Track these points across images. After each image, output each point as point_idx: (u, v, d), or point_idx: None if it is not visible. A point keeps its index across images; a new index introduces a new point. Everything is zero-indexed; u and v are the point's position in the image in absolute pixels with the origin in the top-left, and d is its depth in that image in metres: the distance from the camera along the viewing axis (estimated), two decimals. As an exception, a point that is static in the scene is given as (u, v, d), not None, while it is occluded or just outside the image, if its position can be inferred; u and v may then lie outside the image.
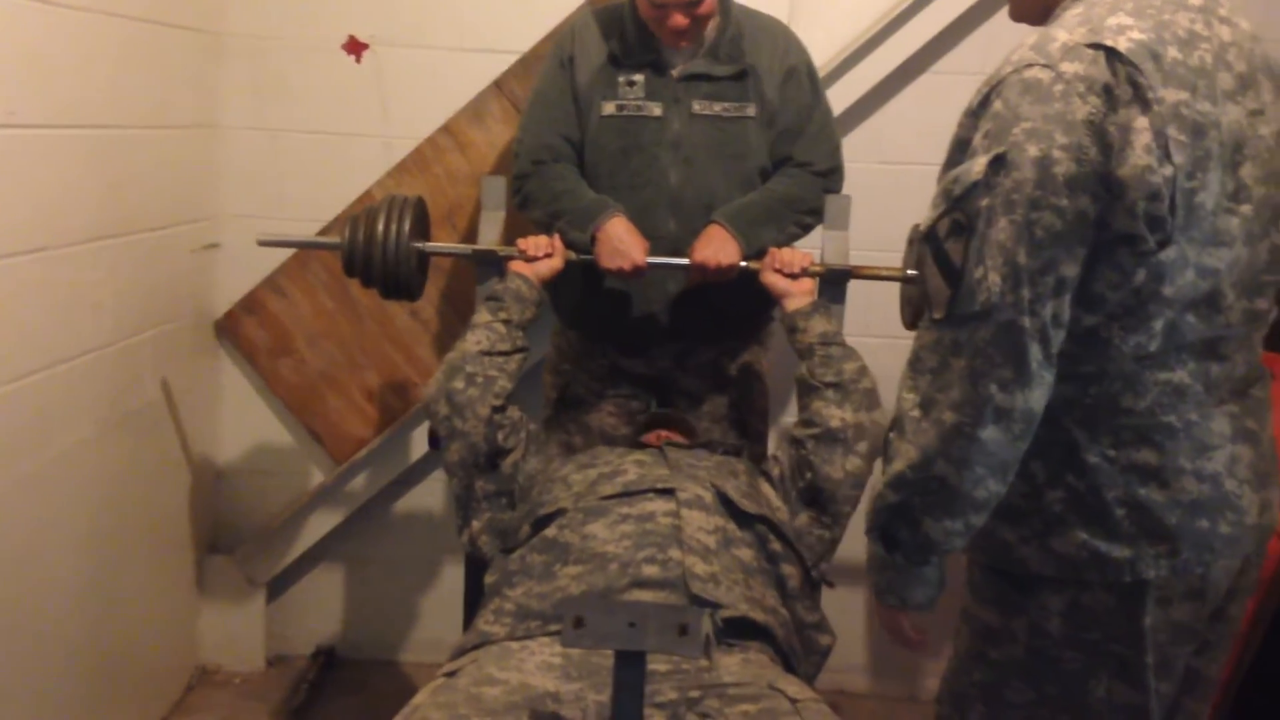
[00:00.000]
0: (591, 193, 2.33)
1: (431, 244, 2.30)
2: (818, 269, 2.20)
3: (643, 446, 2.09)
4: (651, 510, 1.77)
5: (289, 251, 2.95)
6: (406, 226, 2.22)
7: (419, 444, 2.99)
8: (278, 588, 3.12)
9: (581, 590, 1.65)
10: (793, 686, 1.47)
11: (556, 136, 2.39)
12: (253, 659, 3.08)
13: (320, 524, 3.04)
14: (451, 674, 1.52)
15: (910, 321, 2.27)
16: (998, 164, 1.26)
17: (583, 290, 2.40)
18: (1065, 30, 1.29)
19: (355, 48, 2.90)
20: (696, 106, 2.34)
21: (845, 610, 2.97)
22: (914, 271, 2.22)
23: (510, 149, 2.59)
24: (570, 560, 1.71)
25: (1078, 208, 1.24)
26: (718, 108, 2.35)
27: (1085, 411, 1.34)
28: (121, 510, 2.52)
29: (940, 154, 3.06)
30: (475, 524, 2.00)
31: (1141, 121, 1.23)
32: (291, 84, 2.91)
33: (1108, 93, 1.24)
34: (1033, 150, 1.24)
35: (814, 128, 2.41)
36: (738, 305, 2.41)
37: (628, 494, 1.82)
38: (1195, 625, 1.39)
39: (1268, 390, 1.44)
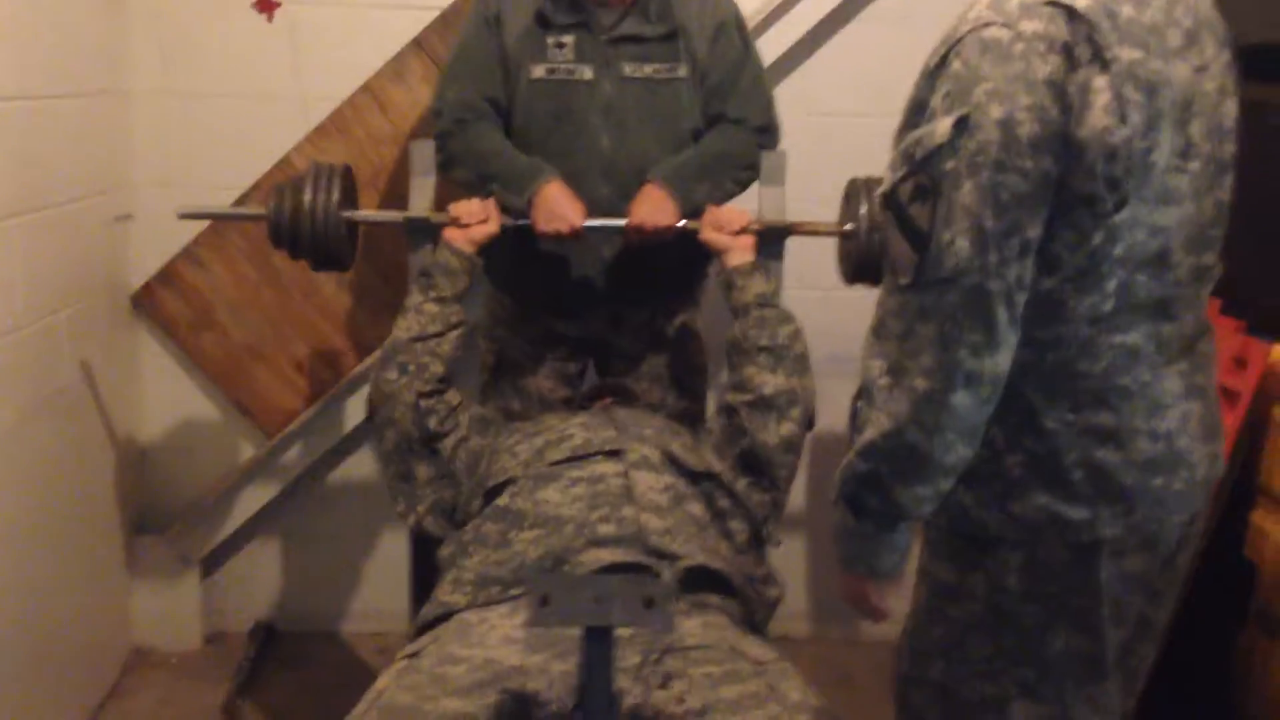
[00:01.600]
0: (523, 156, 2.29)
1: (361, 213, 2.24)
2: (756, 226, 2.20)
3: (586, 408, 2.08)
4: (601, 472, 1.78)
5: (207, 221, 2.86)
6: (335, 196, 2.15)
7: (352, 414, 2.94)
8: (212, 565, 3.06)
9: (539, 554, 1.64)
10: (755, 649, 1.48)
11: (478, 96, 2.33)
12: (189, 638, 3.02)
13: (253, 498, 2.98)
14: (414, 655, 1.50)
15: (850, 276, 2.28)
16: (961, 126, 1.25)
17: (515, 255, 2.36)
18: None
19: (266, 6, 2.79)
20: (627, 69, 2.30)
21: (786, 558, 3.01)
22: (850, 226, 2.23)
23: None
24: (525, 526, 1.71)
25: (1041, 169, 1.24)
26: (648, 69, 2.32)
27: (1043, 377, 1.36)
28: (47, 496, 2.44)
29: (868, 103, 3.06)
30: (420, 508, 1.99)
31: (1100, 81, 1.23)
32: (200, 45, 2.80)
33: (1067, 51, 1.24)
34: (996, 111, 1.24)
35: (745, 83, 2.39)
36: (672, 265, 2.40)
37: (576, 458, 1.82)
38: (1148, 576, 1.43)
39: (1212, 344, 1.47)
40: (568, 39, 2.30)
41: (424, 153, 2.32)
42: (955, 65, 1.28)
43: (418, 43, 2.80)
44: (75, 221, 2.54)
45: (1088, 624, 1.40)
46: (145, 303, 2.91)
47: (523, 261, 2.36)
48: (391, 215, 2.35)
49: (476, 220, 2.16)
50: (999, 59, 1.24)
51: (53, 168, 2.42)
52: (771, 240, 2.24)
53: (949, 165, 1.26)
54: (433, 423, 2.00)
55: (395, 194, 2.83)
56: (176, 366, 2.97)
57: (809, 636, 3.18)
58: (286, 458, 2.98)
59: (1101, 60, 1.23)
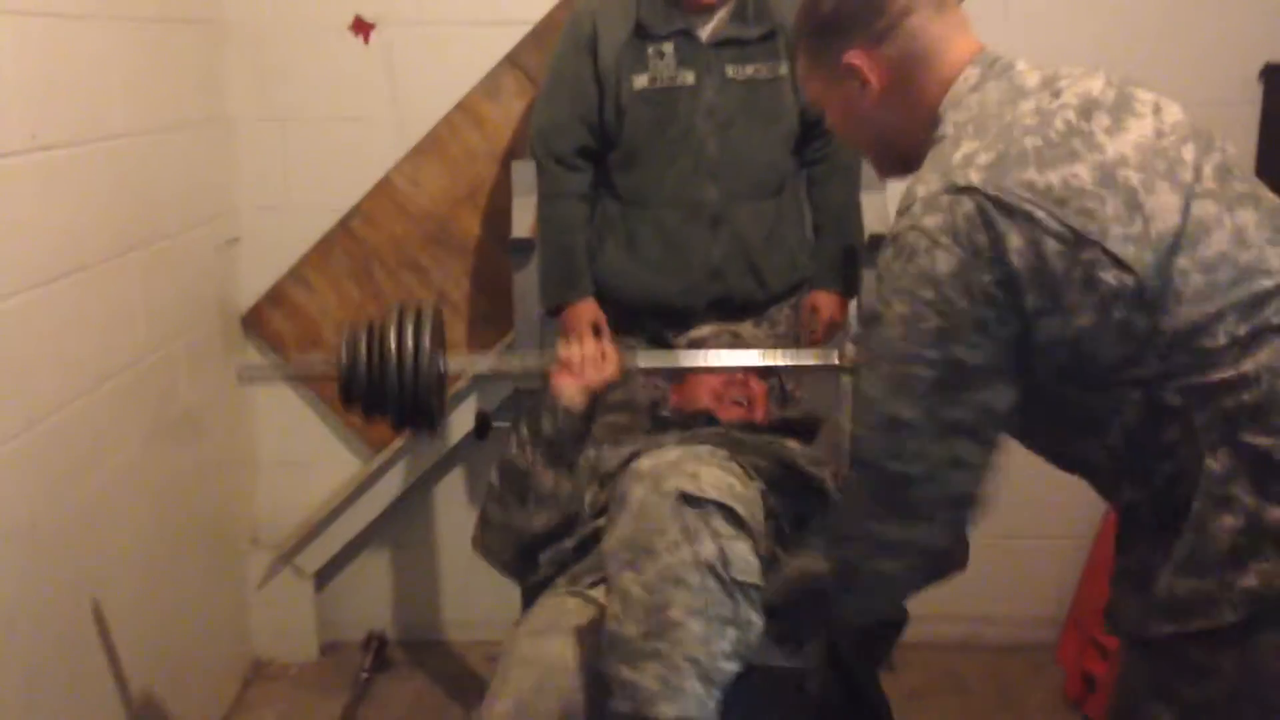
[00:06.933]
0: (577, 258, 2.43)
1: (458, 359, 2.05)
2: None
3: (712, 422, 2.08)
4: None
5: (311, 241, 2.92)
6: (426, 341, 1.82)
7: (457, 427, 2.97)
8: (326, 576, 3.13)
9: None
10: None
11: (574, 120, 2.39)
12: (306, 649, 3.09)
13: (364, 511, 3.04)
14: None
15: None
16: (873, 323, 1.31)
17: (626, 254, 2.42)
18: (924, 184, 1.26)
19: (362, 28, 2.83)
20: (730, 71, 2.34)
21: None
22: None
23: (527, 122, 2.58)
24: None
25: (952, 356, 1.23)
26: (750, 70, 2.35)
27: (1257, 471, 1.23)
28: (168, 516, 2.51)
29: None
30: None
31: (1026, 233, 1.20)
32: (297, 70, 2.85)
33: (976, 230, 1.21)
34: (900, 308, 1.25)
35: None
36: (778, 265, 2.46)
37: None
38: None
39: None
40: (667, 47, 2.33)
41: (525, 173, 2.34)
42: (880, 262, 1.32)
43: (510, 59, 2.81)
44: (187, 249, 2.61)
45: None
46: (254, 323, 2.97)
47: (631, 260, 2.43)
48: (495, 362, 2.38)
49: (592, 364, 1.87)
50: (907, 259, 1.25)
51: (164, 198, 2.48)
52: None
53: (865, 359, 1.34)
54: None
55: (494, 209, 2.85)
56: (285, 385, 3.03)
57: (921, 641, 3.14)
58: (394, 471, 3.03)
59: (1023, 214, 1.20)
